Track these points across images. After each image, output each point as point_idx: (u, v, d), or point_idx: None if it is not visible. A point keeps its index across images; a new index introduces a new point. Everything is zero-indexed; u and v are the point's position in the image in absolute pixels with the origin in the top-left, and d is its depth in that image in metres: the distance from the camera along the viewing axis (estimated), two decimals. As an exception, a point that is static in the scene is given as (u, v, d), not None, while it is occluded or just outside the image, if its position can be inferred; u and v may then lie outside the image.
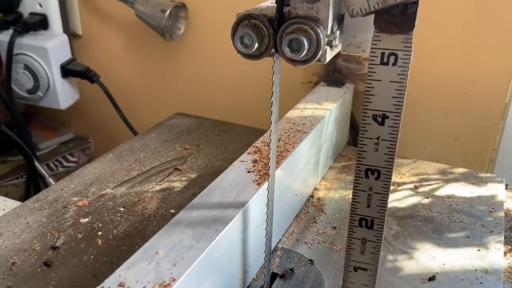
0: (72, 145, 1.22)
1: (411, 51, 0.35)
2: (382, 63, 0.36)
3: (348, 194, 0.66)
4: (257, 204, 0.48)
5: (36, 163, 0.95)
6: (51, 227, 0.58)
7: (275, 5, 0.38)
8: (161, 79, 1.11)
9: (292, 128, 0.62)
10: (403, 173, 0.71)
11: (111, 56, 1.15)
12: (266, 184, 0.48)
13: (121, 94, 1.11)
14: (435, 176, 0.70)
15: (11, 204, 0.74)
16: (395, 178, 0.70)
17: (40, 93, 1.06)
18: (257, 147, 0.57)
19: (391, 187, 0.68)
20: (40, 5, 1.06)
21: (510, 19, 0.78)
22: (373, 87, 0.37)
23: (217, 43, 1.01)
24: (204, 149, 0.77)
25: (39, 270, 0.51)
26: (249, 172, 0.51)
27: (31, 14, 1.07)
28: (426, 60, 0.85)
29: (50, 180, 1.01)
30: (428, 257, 0.54)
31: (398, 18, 0.34)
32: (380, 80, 0.37)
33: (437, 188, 0.67)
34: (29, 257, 0.53)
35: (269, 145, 0.57)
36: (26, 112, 1.23)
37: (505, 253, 0.56)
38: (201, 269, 0.39)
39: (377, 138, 0.38)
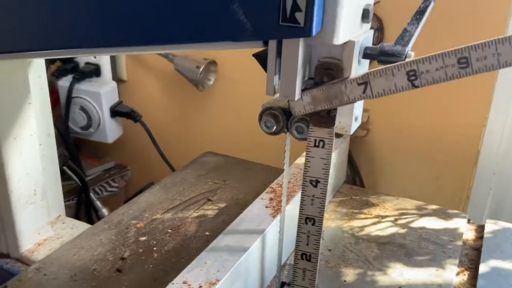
0: (113, 172, 1.43)
1: (333, 139, 0.53)
2: (315, 146, 0.53)
3: (343, 223, 0.85)
4: (272, 231, 0.67)
5: (91, 194, 1.17)
6: (119, 243, 0.78)
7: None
8: (193, 122, 1.32)
9: (299, 172, 0.81)
10: (387, 208, 0.90)
11: (151, 100, 1.37)
12: (279, 217, 0.67)
13: (158, 132, 1.33)
14: (412, 211, 0.89)
15: (77, 224, 0.95)
16: (380, 211, 0.88)
17: (91, 130, 1.28)
18: (272, 188, 0.77)
19: (376, 219, 0.87)
20: (94, 56, 1.28)
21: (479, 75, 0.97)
22: (309, 161, 0.53)
23: (240, 93, 1.22)
24: (230, 184, 0.97)
25: (113, 274, 0.71)
26: (266, 207, 0.71)
27: (87, 63, 1.29)
28: (407, 114, 1.04)
29: (98, 203, 1.22)
30: (398, 273, 0.73)
31: (324, 118, 0.52)
32: (314, 157, 0.53)
33: (412, 221, 0.86)
34: (105, 265, 0.73)
35: (282, 186, 0.77)
36: (75, 143, 1.44)
37: (457, 273, 0.74)
38: (234, 275, 0.58)
39: (313, 196, 0.54)
